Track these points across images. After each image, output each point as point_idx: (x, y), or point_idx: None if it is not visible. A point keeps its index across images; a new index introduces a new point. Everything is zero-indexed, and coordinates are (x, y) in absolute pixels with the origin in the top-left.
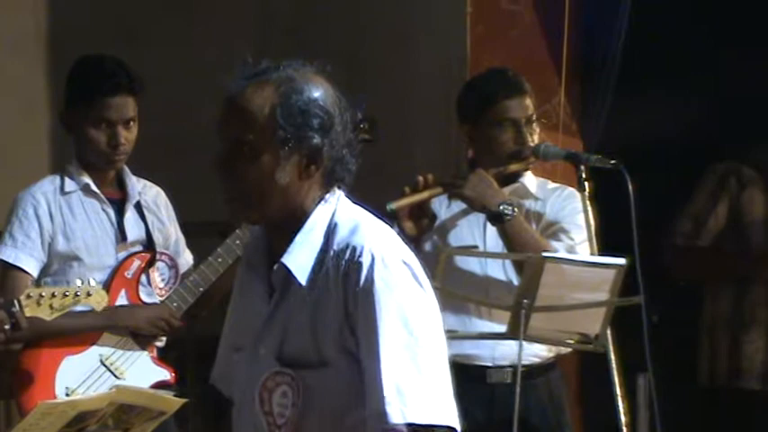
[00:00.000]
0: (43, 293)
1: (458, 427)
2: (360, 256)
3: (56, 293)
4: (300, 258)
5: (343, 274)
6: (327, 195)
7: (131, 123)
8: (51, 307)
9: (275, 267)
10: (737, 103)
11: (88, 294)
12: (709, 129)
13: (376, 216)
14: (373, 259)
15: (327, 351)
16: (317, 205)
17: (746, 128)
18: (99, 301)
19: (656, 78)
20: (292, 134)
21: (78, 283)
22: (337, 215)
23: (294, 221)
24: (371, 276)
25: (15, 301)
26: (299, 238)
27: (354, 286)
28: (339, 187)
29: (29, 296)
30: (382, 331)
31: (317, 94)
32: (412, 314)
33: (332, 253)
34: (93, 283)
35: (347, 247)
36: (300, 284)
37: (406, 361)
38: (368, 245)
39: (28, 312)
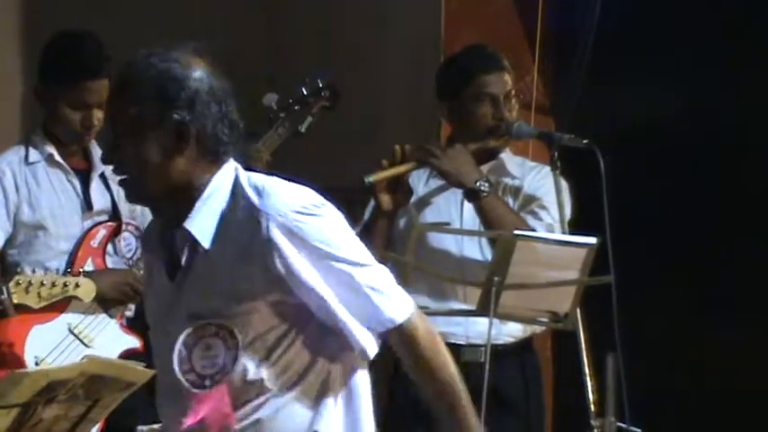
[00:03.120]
0: (32, 281)
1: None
2: (271, 219)
3: (45, 282)
4: (202, 223)
5: (258, 237)
6: (222, 165)
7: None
8: (39, 295)
9: (178, 235)
10: (710, 84)
11: (77, 285)
12: (681, 109)
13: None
14: (286, 216)
15: (246, 304)
16: (213, 176)
17: (717, 110)
18: (88, 291)
19: (630, 57)
20: (154, 113)
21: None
22: (240, 179)
23: (187, 196)
24: (290, 229)
25: (3, 288)
26: (198, 204)
27: (276, 245)
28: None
29: (18, 283)
30: (326, 273)
31: (179, 71)
32: (342, 244)
33: (240, 214)
34: (82, 274)
35: (257, 210)
36: (205, 248)
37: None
38: (278, 205)
39: (16, 299)
